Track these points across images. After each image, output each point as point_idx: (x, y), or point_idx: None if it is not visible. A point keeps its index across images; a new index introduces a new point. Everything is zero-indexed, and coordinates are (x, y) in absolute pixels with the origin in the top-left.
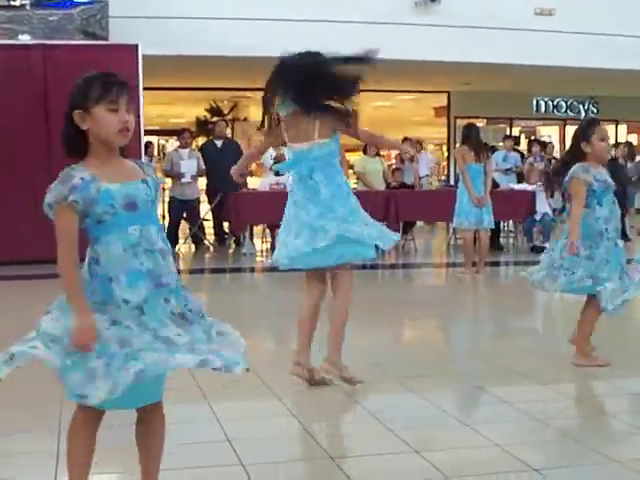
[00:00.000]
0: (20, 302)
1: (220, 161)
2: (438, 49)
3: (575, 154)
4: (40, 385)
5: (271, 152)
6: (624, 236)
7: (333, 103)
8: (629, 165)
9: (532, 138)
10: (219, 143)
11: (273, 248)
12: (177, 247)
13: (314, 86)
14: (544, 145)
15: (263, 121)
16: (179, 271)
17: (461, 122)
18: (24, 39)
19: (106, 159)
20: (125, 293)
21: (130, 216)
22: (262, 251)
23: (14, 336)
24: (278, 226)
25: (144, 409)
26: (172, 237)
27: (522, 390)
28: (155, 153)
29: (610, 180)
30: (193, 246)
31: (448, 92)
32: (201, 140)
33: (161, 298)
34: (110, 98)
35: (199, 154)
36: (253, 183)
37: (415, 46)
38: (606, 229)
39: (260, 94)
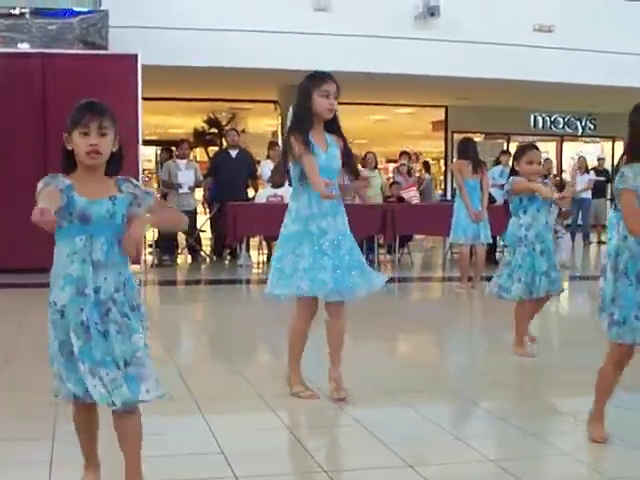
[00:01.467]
0: (14, 309)
1: (233, 170)
2: (437, 63)
3: (513, 171)
4: (35, 392)
5: (270, 165)
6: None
7: None
8: None
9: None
10: (233, 153)
11: (269, 260)
12: (173, 258)
13: None
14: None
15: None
16: (174, 282)
17: (458, 137)
18: (23, 47)
19: (85, 175)
20: (56, 296)
21: (81, 227)
22: (258, 263)
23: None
24: (275, 238)
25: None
26: (169, 248)
27: (516, 405)
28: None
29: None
30: (190, 257)
31: (446, 106)
32: (199, 151)
33: (77, 307)
34: (83, 123)
35: (197, 165)
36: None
37: (414, 60)
38: (525, 235)
39: (259, 105)
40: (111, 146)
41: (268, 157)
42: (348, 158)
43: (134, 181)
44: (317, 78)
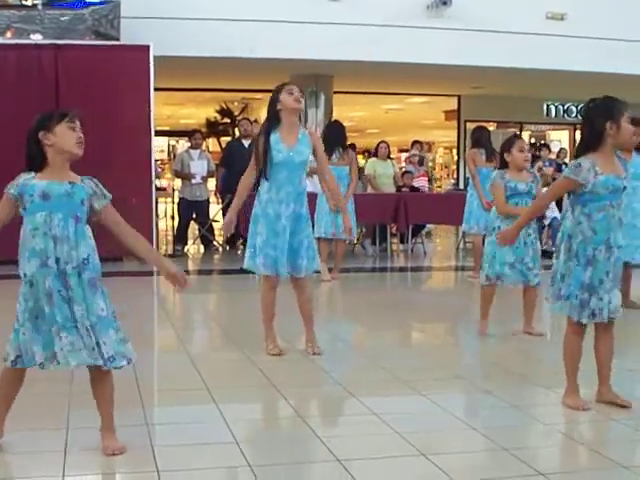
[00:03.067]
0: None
1: (245, 160)
2: (449, 52)
3: (501, 163)
4: (48, 382)
5: None
6: None
7: None
8: None
9: (542, 142)
10: (246, 143)
11: None
12: (186, 248)
13: None
14: (548, 149)
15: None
16: (187, 272)
17: (471, 126)
18: (36, 39)
19: (57, 170)
20: (25, 267)
21: (42, 204)
22: None
23: None
24: None
25: (90, 369)
26: (181, 237)
27: (530, 394)
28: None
29: (521, 187)
30: (202, 247)
31: (459, 96)
32: (212, 141)
33: (42, 277)
34: (69, 118)
35: (209, 155)
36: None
37: (426, 49)
38: (499, 226)
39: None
40: None
41: None
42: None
43: (98, 182)
44: (282, 84)
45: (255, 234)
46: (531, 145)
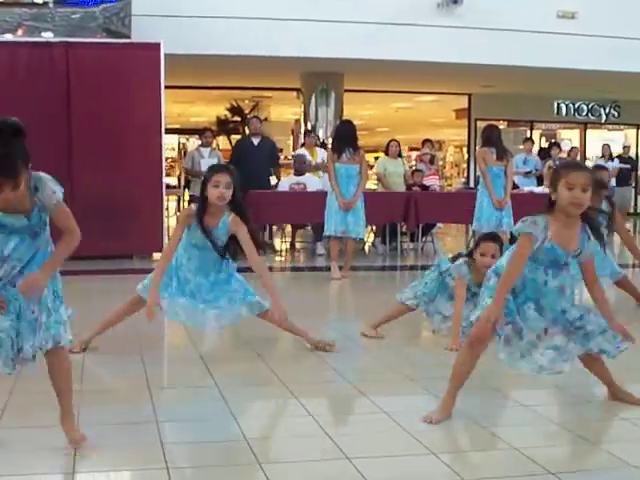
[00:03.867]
0: None
1: (255, 159)
2: (459, 51)
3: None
4: None
5: (307, 154)
6: None
7: None
8: None
9: (552, 141)
10: (256, 141)
11: (293, 247)
12: None
13: None
14: (559, 147)
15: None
16: None
17: (482, 124)
18: (47, 37)
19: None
20: None
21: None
22: (281, 251)
23: None
24: (301, 226)
25: (47, 354)
26: None
27: (540, 393)
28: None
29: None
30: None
31: (469, 94)
32: (222, 139)
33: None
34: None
35: (220, 153)
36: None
37: (437, 48)
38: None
39: (281, 93)
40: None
41: (304, 145)
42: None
43: (43, 186)
44: (212, 170)
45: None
46: (540, 150)
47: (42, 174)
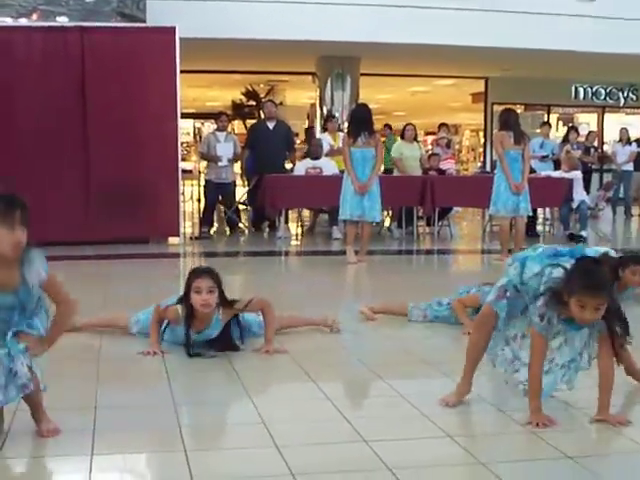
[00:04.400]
0: None
1: (270, 143)
2: (477, 34)
3: None
4: (77, 362)
5: (328, 138)
6: None
7: None
8: None
9: (570, 125)
10: (271, 125)
11: (311, 231)
12: (212, 230)
13: None
14: (576, 131)
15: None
16: (213, 254)
17: (498, 108)
18: (62, 21)
19: None
20: None
21: None
22: (297, 235)
23: None
24: (321, 210)
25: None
26: (208, 220)
27: None
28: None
29: None
30: (228, 229)
31: (486, 78)
32: (237, 123)
33: None
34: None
35: (236, 137)
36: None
37: (453, 31)
38: None
39: (296, 77)
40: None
41: (325, 129)
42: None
43: (32, 264)
44: (193, 274)
45: None
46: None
47: (34, 251)
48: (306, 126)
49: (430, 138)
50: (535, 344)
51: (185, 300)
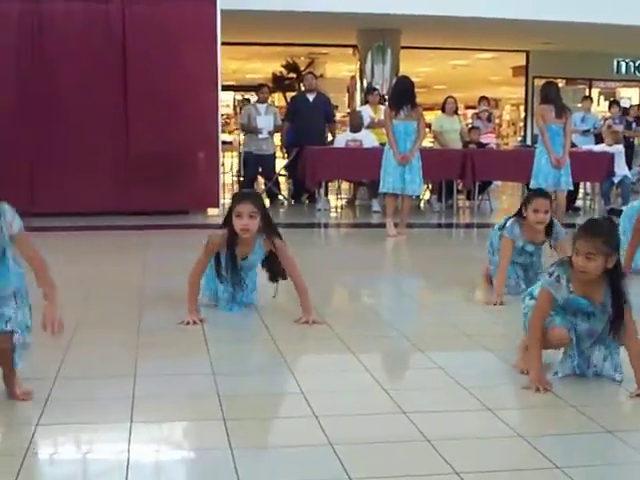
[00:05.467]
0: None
1: (310, 115)
2: (518, 7)
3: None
4: (115, 330)
5: (369, 111)
6: None
7: None
8: None
9: (611, 99)
10: (311, 97)
11: (352, 203)
12: None
13: None
14: (618, 106)
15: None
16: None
17: (539, 82)
18: None
19: None
20: None
21: None
22: (336, 207)
23: None
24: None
25: None
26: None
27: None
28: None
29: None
30: (268, 201)
31: (527, 51)
32: (277, 96)
33: None
34: None
35: (276, 109)
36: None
37: (495, 4)
38: None
39: (337, 50)
40: None
41: (367, 102)
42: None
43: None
44: (235, 198)
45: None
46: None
47: (3, 204)
48: (346, 99)
49: (470, 112)
50: (539, 298)
51: (227, 225)
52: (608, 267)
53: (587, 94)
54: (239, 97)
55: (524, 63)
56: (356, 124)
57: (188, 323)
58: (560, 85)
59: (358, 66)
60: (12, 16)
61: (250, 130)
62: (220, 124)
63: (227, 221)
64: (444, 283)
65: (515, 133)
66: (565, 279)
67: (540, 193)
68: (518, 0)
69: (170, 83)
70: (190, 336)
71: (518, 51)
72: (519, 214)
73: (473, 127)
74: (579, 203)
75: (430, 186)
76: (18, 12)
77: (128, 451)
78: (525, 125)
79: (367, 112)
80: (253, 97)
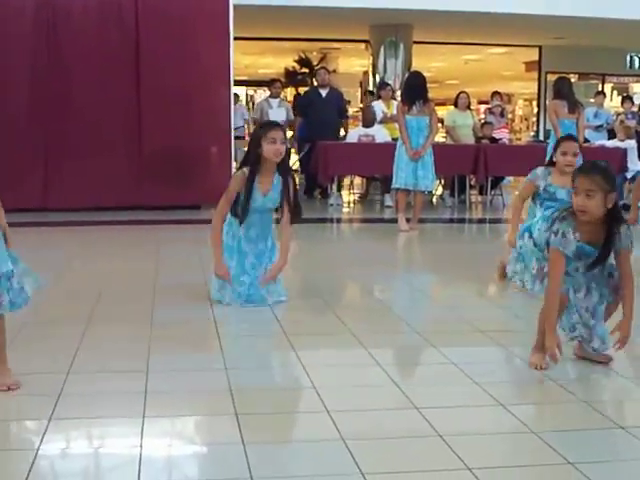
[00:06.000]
0: (106, 245)
1: (323, 110)
2: (530, 2)
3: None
4: (129, 325)
5: (381, 106)
6: None
7: None
8: None
9: (624, 95)
10: (324, 92)
11: (364, 198)
12: None
13: None
14: (631, 101)
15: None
16: None
17: (552, 77)
18: None
19: None
20: None
21: None
22: (349, 202)
23: None
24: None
25: None
26: None
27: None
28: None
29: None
30: None
31: (540, 46)
32: (290, 91)
33: None
34: None
35: (288, 104)
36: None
37: None
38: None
39: (350, 45)
40: None
41: (379, 97)
42: (286, 196)
43: None
44: (266, 127)
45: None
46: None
47: None
48: (359, 94)
49: (483, 107)
50: (552, 259)
51: (253, 153)
52: (608, 207)
53: (600, 89)
54: (251, 92)
55: (537, 58)
56: (369, 119)
57: (222, 277)
58: (572, 80)
59: (371, 61)
60: (27, 11)
61: None
62: (233, 119)
63: (249, 154)
64: (456, 278)
65: (528, 128)
66: (570, 232)
67: (569, 137)
68: None
69: (183, 78)
70: (202, 330)
71: (531, 46)
72: (550, 163)
73: (486, 122)
74: None
75: (443, 181)
76: (33, 7)
77: (140, 446)
78: (538, 120)
79: (380, 107)
80: (264, 93)
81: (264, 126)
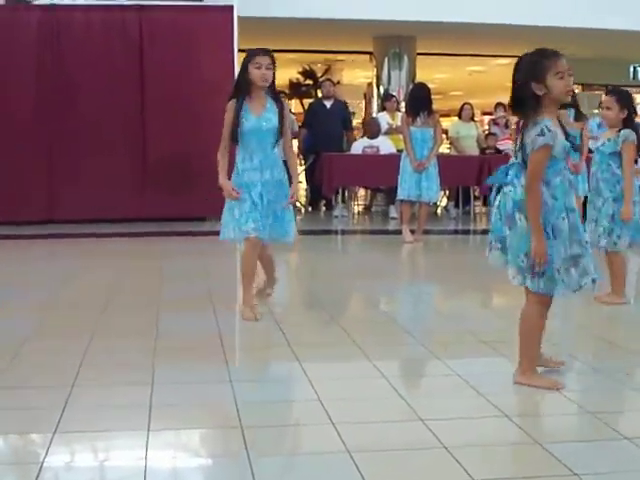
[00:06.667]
0: (112, 256)
1: (327, 121)
2: (534, 13)
3: None
4: (134, 337)
5: (386, 117)
6: None
7: None
8: None
9: None
10: (328, 104)
11: (368, 209)
12: None
13: None
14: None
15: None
16: None
17: None
18: (120, 0)
19: None
20: None
21: None
22: (354, 214)
23: None
24: (378, 189)
25: None
26: None
27: (617, 359)
28: None
29: None
30: None
31: None
32: (294, 102)
33: None
34: None
35: (293, 116)
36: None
37: (510, 10)
38: None
39: (354, 57)
40: None
41: (384, 109)
42: (281, 119)
43: None
44: (252, 53)
45: (232, 207)
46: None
47: None
48: (363, 105)
49: (487, 118)
50: (535, 162)
51: (242, 79)
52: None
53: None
54: None
55: None
56: (373, 130)
57: (231, 196)
58: (576, 91)
59: (375, 73)
60: (32, 24)
61: None
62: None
63: (239, 81)
64: (461, 289)
65: None
66: (551, 125)
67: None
68: (534, 7)
69: (187, 90)
70: (207, 342)
71: None
72: None
73: (490, 133)
74: None
75: (447, 192)
76: (37, 20)
77: (145, 458)
78: None
79: (384, 119)
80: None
81: (251, 52)
